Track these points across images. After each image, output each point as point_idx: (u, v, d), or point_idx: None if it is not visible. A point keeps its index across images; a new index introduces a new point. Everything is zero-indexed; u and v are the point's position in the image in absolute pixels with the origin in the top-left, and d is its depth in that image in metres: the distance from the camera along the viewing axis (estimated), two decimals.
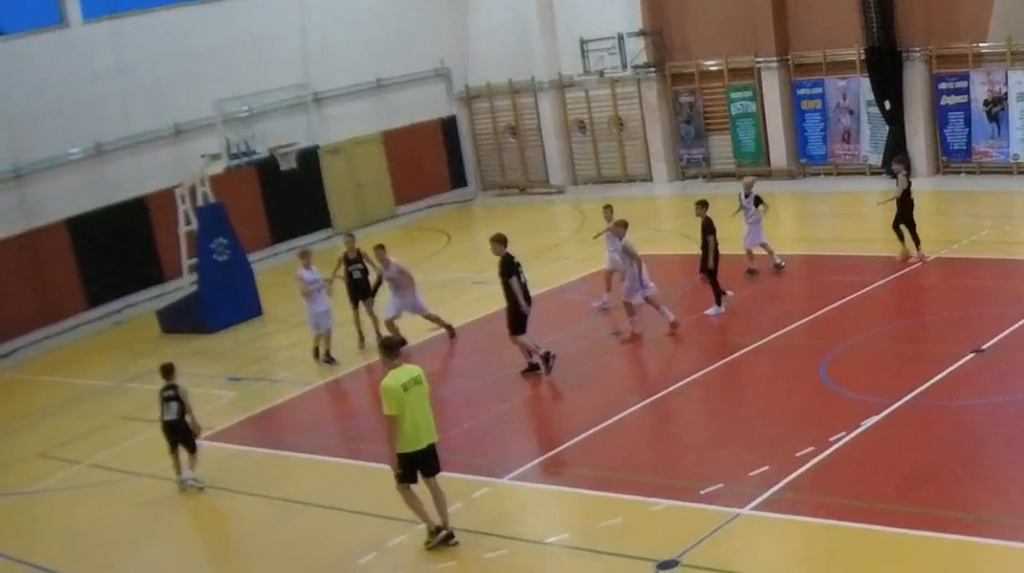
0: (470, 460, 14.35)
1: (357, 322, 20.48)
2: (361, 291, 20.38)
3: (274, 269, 27.86)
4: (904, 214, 20.50)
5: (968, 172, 27.58)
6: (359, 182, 32.70)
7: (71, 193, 26.26)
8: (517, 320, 17.37)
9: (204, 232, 24.00)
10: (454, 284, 23.94)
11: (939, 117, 27.78)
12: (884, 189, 23.35)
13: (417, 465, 11.97)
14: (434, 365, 19.00)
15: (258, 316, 24.16)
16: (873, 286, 19.52)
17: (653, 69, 31.78)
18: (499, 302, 17.82)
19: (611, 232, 19.57)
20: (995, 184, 26.33)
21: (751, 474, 12.63)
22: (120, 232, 26.90)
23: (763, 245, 21.12)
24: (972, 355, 15.45)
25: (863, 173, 28.90)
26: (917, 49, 27.55)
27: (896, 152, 27.39)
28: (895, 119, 27.98)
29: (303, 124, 27.91)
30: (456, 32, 34.73)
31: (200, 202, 24.28)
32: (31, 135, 25.66)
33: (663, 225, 28.15)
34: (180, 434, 15.10)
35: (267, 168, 27.31)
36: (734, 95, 30.91)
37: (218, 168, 25.34)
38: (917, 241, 20.48)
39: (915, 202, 20.66)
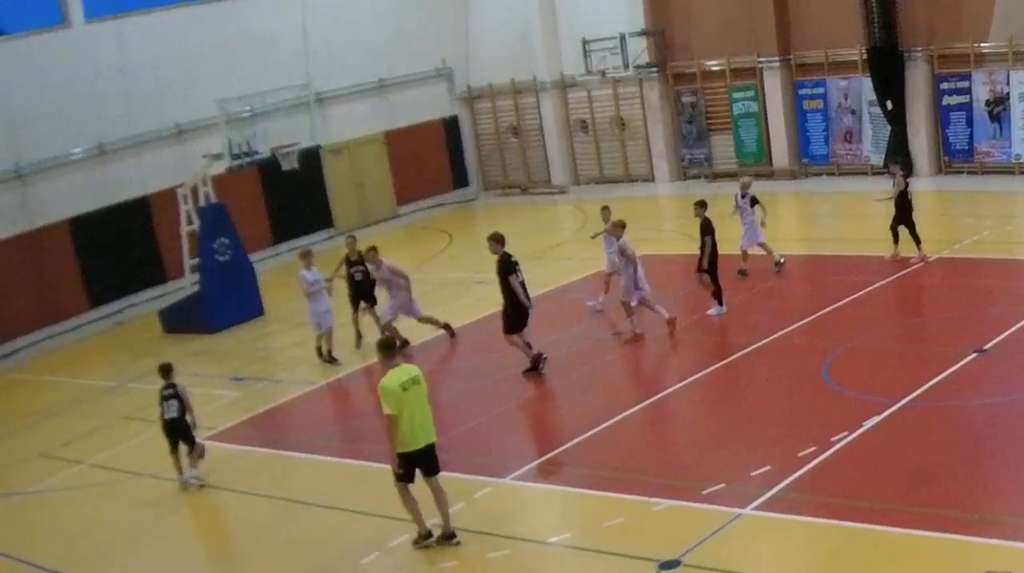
0: (472, 460, 14.35)
1: (356, 322, 20.51)
2: (363, 293, 20.40)
3: (276, 269, 27.85)
4: (902, 215, 20.50)
5: (970, 172, 27.58)
6: (361, 182, 32.70)
7: (73, 193, 26.26)
8: (513, 319, 17.39)
9: (206, 232, 24.00)
10: (456, 284, 23.95)
11: (941, 117, 27.78)
12: (885, 189, 23.31)
13: (415, 465, 11.98)
14: (437, 365, 19.01)
15: (260, 316, 24.17)
16: (875, 286, 19.52)
17: (655, 69, 31.79)
18: (501, 302, 17.80)
19: (608, 233, 19.57)
20: (997, 184, 26.33)
21: (753, 474, 12.63)
22: (122, 232, 26.90)
23: (761, 245, 21.14)
24: (974, 355, 15.44)
25: (865, 173, 28.90)
26: (919, 49, 27.56)
27: (898, 152, 27.44)
28: (897, 119, 27.98)
29: (305, 124, 27.94)
30: (458, 32, 34.74)
31: (202, 202, 24.29)
32: (33, 135, 25.67)
33: (665, 225, 28.16)
34: (181, 432, 15.12)
35: (269, 168, 27.34)
36: (736, 95, 30.90)
37: (220, 168, 25.36)
38: (917, 241, 20.46)
39: (914, 203, 20.66)
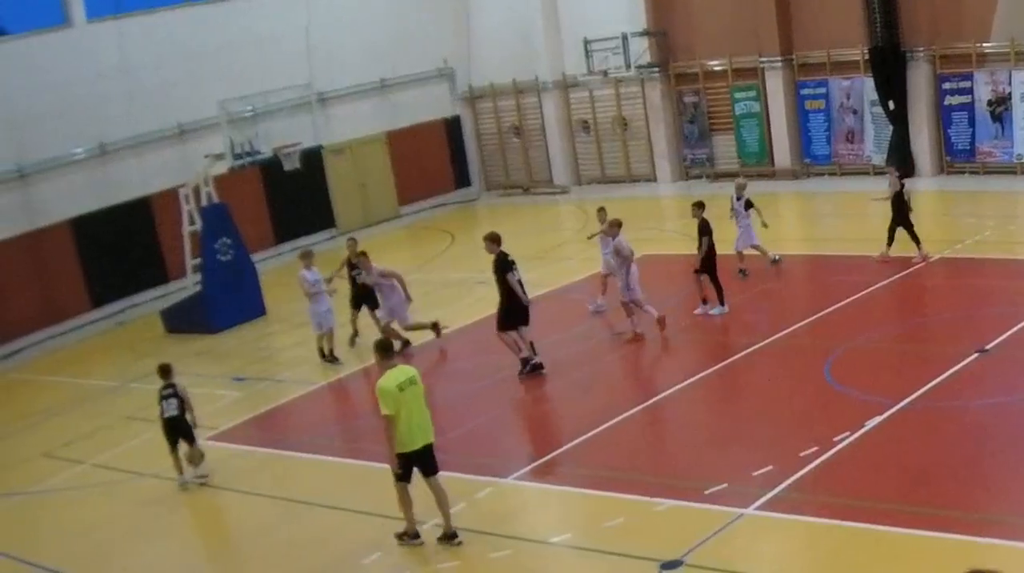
0: (473, 460, 14.35)
1: (354, 322, 20.56)
2: (364, 295, 20.41)
3: (278, 269, 27.85)
4: (899, 216, 20.48)
5: (972, 172, 27.57)
6: (363, 182, 32.70)
7: (75, 193, 26.27)
8: (507, 316, 17.40)
9: (208, 232, 24.01)
10: (458, 284, 23.94)
11: (943, 117, 27.77)
12: (882, 189, 23.28)
13: (414, 465, 12.00)
14: (437, 366, 19.02)
15: (262, 316, 24.18)
16: (877, 286, 19.51)
17: (657, 69, 31.78)
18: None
19: (604, 233, 19.60)
20: (999, 184, 26.32)
21: (755, 474, 12.62)
22: (124, 232, 26.91)
23: (755, 246, 21.18)
24: (976, 355, 15.43)
25: (867, 173, 28.87)
26: (921, 49, 27.55)
27: (900, 152, 27.44)
28: (899, 119, 27.96)
29: (307, 124, 27.90)
30: (460, 32, 34.73)
31: (204, 202, 24.30)
32: (35, 135, 25.67)
33: (666, 225, 28.16)
34: (181, 430, 15.12)
35: (271, 168, 27.33)
36: (738, 95, 30.89)
37: (222, 168, 25.36)
38: (917, 241, 20.44)
39: (911, 204, 20.64)
